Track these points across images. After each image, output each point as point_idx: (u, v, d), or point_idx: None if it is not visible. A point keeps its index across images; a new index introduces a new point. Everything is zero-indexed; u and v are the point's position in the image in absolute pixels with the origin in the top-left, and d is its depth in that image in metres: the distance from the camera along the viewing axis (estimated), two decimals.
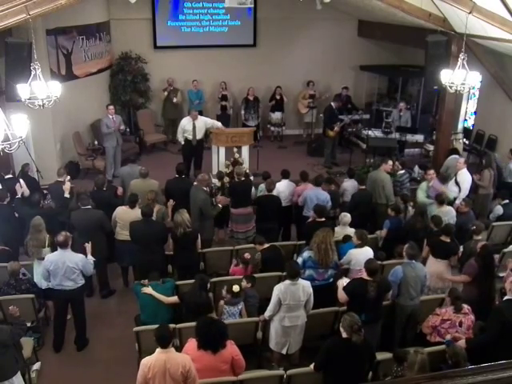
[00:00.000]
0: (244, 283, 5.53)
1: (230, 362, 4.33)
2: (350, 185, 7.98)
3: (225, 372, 4.33)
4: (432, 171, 7.87)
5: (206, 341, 4.22)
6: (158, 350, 4.03)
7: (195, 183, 7.28)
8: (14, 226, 7.01)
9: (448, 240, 6.03)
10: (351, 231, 6.50)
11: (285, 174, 7.71)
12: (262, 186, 7.65)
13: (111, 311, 6.65)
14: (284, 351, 5.20)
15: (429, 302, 5.59)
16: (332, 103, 10.67)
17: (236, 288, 5.32)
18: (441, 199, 6.99)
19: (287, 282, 5.01)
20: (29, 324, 5.70)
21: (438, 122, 9.80)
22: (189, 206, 7.15)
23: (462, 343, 4.68)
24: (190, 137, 9.34)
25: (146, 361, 4.02)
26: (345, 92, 11.72)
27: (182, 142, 9.55)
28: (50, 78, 7.30)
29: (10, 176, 7.65)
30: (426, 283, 5.56)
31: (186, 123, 9.37)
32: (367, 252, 5.88)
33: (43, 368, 5.55)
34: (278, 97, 12.00)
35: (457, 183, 7.82)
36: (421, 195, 7.66)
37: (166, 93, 11.50)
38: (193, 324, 4.74)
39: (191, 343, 4.32)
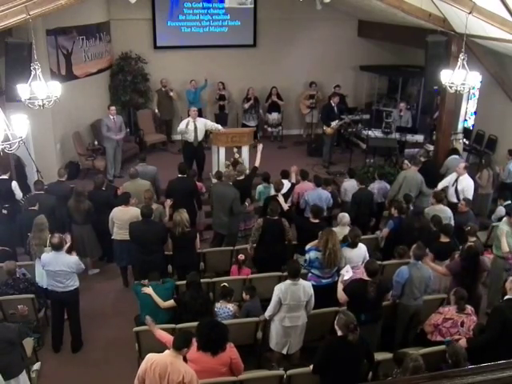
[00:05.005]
0: (243, 295, 5.51)
1: (228, 364, 4.32)
2: (350, 184, 7.97)
3: (224, 375, 4.33)
4: None
5: (207, 343, 4.20)
6: (168, 351, 4.00)
7: (223, 179, 7.34)
8: (12, 226, 7.02)
9: (447, 240, 6.04)
10: None
11: (284, 174, 7.65)
12: (261, 187, 7.63)
13: (111, 311, 6.64)
14: (284, 351, 5.20)
15: (429, 302, 5.60)
16: (331, 101, 10.66)
17: (224, 283, 5.47)
18: (440, 198, 6.98)
19: (288, 281, 5.00)
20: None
21: (438, 121, 9.80)
22: (190, 204, 7.25)
23: (463, 343, 4.69)
24: (191, 138, 9.25)
25: (152, 356, 4.00)
26: (338, 90, 11.66)
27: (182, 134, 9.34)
28: (50, 78, 7.31)
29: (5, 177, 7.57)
30: (430, 284, 5.56)
31: (187, 124, 9.25)
32: (360, 251, 5.88)
33: (43, 368, 5.55)
34: (273, 97, 12.01)
35: (456, 190, 7.74)
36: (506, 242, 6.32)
37: (163, 89, 11.50)
38: (193, 324, 4.76)
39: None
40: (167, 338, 4.43)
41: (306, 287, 5.03)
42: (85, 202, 6.92)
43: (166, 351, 4.02)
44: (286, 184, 7.49)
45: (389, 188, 8.00)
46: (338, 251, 5.62)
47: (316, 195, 7.26)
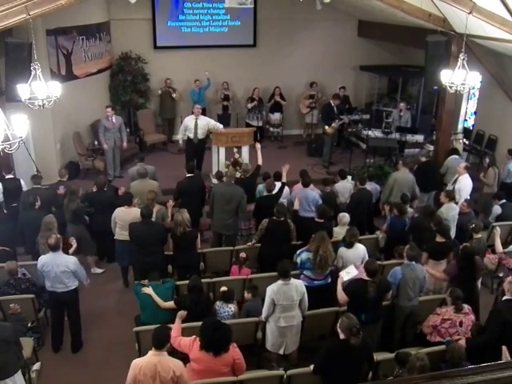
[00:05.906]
0: (245, 294, 5.49)
1: (230, 365, 4.31)
2: (341, 186, 7.93)
3: (226, 375, 4.32)
4: None
5: (209, 343, 4.19)
6: (151, 352, 4.01)
7: (224, 179, 7.33)
8: (12, 226, 7.02)
9: (443, 240, 6.02)
10: None
11: (277, 177, 7.53)
12: (260, 187, 7.62)
13: (111, 311, 6.64)
14: (281, 352, 5.20)
15: (428, 302, 5.60)
16: (331, 101, 10.68)
17: (223, 288, 5.37)
18: (452, 196, 7.01)
19: (280, 282, 5.00)
20: (29, 324, 5.72)
21: (437, 121, 9.80)
22: (199, 203, 7.27)
23: (462, 343, 4.68)
24: (192, 135, 9.28)
25: (137, 362, 4.01)
26: (342, 92, 11.70)
27: (180, 142, 9.48)
28: (50, 78, 7.31)
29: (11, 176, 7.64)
30: (424, 284, 5.55)
31: (188, 121, 9.33)
32: (357, 251, 5.87)
33: (43, 368, 5.55)
34: (277, 97, 12.01)
35: (453, 190, 7.71)
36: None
37: (159, 91, 11.64)
38: (192, 324, 4.76)
39: (195, 343, 4.29)
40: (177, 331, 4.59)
41: (298, 286, 5.04)
42: (74, 202, 6.86)
43: (149, 352, 4.02)
44: (279, 185, 7.44)
45: (379, 189, 7.98)
46: (328, 257, 5.59)
47: (302, 195, 7.21)
